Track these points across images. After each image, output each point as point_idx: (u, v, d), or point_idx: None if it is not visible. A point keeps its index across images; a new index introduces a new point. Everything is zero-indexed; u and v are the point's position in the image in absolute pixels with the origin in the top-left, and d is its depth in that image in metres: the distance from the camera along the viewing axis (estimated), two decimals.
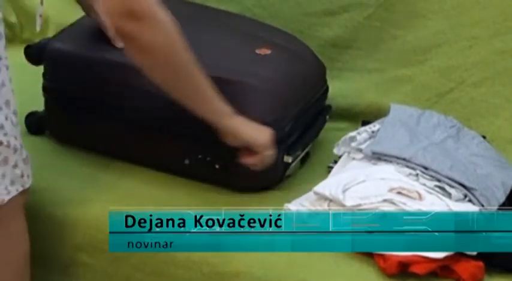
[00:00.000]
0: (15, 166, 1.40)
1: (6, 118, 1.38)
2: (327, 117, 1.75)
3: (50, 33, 2.07)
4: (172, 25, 1.39)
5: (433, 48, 1.87)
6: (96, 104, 1.66)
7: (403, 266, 1.41)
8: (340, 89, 1.88)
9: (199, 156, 1.61)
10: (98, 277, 1.59)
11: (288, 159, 1.61)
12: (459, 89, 1.85)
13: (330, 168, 1.67)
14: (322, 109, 1.75)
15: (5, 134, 1.37)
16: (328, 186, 1.50)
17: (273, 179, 1.64)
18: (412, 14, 1.88)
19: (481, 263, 1.42)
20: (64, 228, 1.59)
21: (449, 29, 1.87)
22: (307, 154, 1.70)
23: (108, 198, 1.60)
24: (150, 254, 1.53)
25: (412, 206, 1.44)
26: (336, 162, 1.68)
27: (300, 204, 1.53)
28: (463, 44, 1.86)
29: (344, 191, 1.47)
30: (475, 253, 1.42)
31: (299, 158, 1.67)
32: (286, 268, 1.46)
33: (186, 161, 1.62)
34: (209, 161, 1.60)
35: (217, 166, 1.60)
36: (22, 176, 1.43)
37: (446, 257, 1.41)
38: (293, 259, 1.47)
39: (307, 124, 1.69)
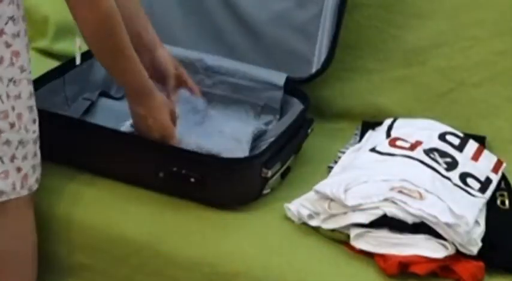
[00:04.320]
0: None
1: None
2: (309, 130, 1.72)
3: (50, 34, 2.07)
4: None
5: (433, 48, 1.87)
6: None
7: (403, 266, 1.41)
8: (340, 89, 1.88)
9: (174, 169, 1.56)
10: (98, 277, 1.59)
11: (266, 173, 1.56)
12: (459, 89, 1.85)
13: (330, 168, 1.67)
14: (303, 122, 1.72)
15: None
16: (329, 185, 1.50)
17: (251, 194, 1.59)
18: (412, 14, 1.88)
19: (481, 263, 1.42)
20: (63, 229, 1.59)
21: (449, 29, 1.87)
22: (288, 168, 1.66)
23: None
24: (150, 254, 1.53)
25: (412, 205, 1.44)
26: (336, 162, 1.68)
27: (300, 204, 1.53)
28: (463, 44, 1.86)
29: (346, 191, 1.47)
30: (475, 253, 1.42)
31: (279, 172, 1.62)
32: (286, 268, 1.46)
33: (161, 174, 1.57)
34: (184, 174, 1.56)
35: (192, 180, 1.55)
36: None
37: (446, 257, 1.41)
38: (293, 259, 1.47)
39: (287, 137, 1.65)
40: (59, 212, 1.59)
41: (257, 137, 1.74)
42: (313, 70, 1.83)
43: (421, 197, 1.46)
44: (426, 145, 1.61)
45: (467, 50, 1.86)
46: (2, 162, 1.42)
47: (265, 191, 1.59)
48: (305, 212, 1.51)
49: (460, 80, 1.86)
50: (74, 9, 1.43)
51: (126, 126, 1.74)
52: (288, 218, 1.54)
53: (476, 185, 1.57)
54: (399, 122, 1.73)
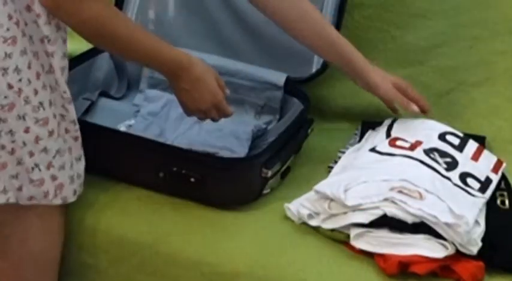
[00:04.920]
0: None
1: None
2: (309, 130, 1.72)
3: None
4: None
5: (433, 49, 1.87)
6: None
7: (403, 266, 1.41)
8: (340, 89, 1.88)
9: (174, 169, 1.56)
10: (98, 277, 1.59)
11: (266, 173, 1.56)
12: (459, 89, 1.85)
13: (330, 168, 1.67)
14: (303, 122, 1.72)
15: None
16: (329, 185, 1.50)
17: (251, 194, 1.58)
18: (412, 14, 1.88)
19: (481, 263, 1.42)
20: (65, 228, 1.59)
21: (449, 29, 1.87)
22: (288, 168, 1.66)
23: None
24: (150, 254, 1.53)
25: (412, 205, 1.44)
26: (336, 162, 1.68)
27: (300, 204, 1.53)
28: (463, 44, 1.86)
29: (345, 191, 1.47)
30: (475, 253, 1.42)
31: (279, 172, 1.61)
32: (286, 268, 1.46)
33: (161, 174, 1.57)
34: (184, 173, 1.55)
35: (192, 180, 1.55)
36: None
37: (446, 257, 1.41)
38: (293, 259, 1.47)
39: (287, 137, 1.65)
40: None
41: (257, 137, 1.75)
42: (313, 70, 1.83)
43: (421, 197, 1.46)
44: (426, 145, 1.61)
45: (467, 50, 1.86)
46: (39, 169, 1.42)
47: (265, 191, 1.59)
48: (305, 212, 1.51)
49: (460, 80, 1.86)
50: (60, 19, 1.42)
51: (125, 126, 1.74)
52: (288, 218, 1.54)
53: (476, 185, 1.57)
54: (399, 122, 1.73)
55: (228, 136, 1.69)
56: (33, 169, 1.41)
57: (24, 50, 1.38)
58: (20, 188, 1.42)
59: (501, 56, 1.85)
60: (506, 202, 1.57)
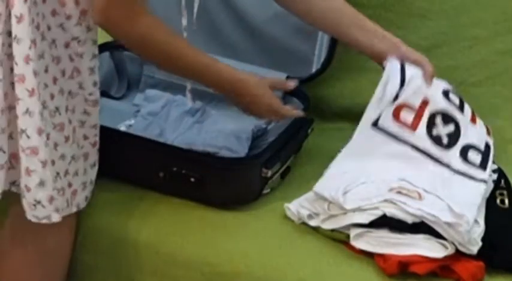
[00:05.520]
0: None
1: None
2: (309, 130, 1.72)
3: None
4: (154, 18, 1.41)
5: (433, 48, 1.86)
6: None
7: (403, 266, 1.41)
8: (340, 89, 1.88)
9: (174, 169, 1.57)
10: (98, 277, 1.59)
11: (266, 173, 1.56)
12: (459, 89, 1.84)
13: None
14: (303, 122, 1.71)
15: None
16: (327, 189, 1.50)
17: (251, 194, 1.58)
18: (412, 14, 1.88)
19: (481, 263, 1.42)
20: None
21: (449, 29, 1.87)
22: (288, 168, 1.66)
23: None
24: (150, 254, 1.53)
25: (412, 205, 1.44)
26: None
27: (300, 204, 1.53)
28: (463, 44, 1.86)
29: (344, 194, 1.47)
30: (475, 253, 1.42)
31: (279, 172, 1.61)
32: (286, 268, 1.46)
33: (161, 174, 1.57)
34: (184, 173, 1.55)
35: (192, 180, 1.55)
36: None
37: (446, 257, 1.41)
38: (293, 259, 1.47)
39: (287, 137, 1.65)
40: None
41: (257, 137, 1.75)
42: (313, 70, 1.83)
43: (420, 197, 1.46)
44: (432, 107, 1.59)
45: (467, 50, 1.86)
46: (60, 178, 1.41)
47: (265, 191, 1.59)
48: (305, 212, 1.51)
49: (460, 79, 1.86)
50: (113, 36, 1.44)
51: (125, 126, 1.74)
52: (287, 218, 1.54)
53: (478, 159, 1.57)
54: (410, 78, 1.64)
55: (228, 136, 1.69)
56: (56, 177, 1.40)
57: (42, 54, 1.37)
58: (50, 199, 1.40)
59: (501, 56, 1.85)
60: (506, 201, 1.57)
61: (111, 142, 1.60)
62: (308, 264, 1.46)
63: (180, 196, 1.58)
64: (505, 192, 1.59)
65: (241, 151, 1.67)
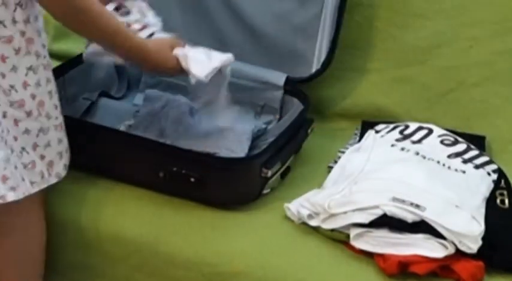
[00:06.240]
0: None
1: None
2: (309, 130, 1.72)
3: (50, 34, 2.07)
4: None
5: (433, 48, 1.86)
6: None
7: (403, 266, 1.41)
8: (340, 89, 1.88)
9: (174, 169, 1.56)
10: (98, 277, 1.59)
11: (266, 173, 1.56)
12: (459, 89, 1.85)
13: (330, 168, 1.67)
14: (303, 122, 1.72)
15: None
16: (322, 198, 1.50)
17: (251, 194, 1.58)
18: (412, 14, 1.87)
19: (481, 263, 1.42)
20: (63, 229, 1.59)
21: (449, 29, 1.87)
22: (288, 168, 1.66)
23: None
24: (150, 254, 1.53)
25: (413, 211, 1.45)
26: (336, 162, 1.68)
27: (300, 204, 1.53)
28: (463, 44, 1.86)
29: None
30: (475, 251, 1.42)
31: (279, 172, 1.61)
32: (286, 268, 1.46)
33: (161, 174, 1.57)
34: (184, 173, 1.55)
35: (192, 180, 1.55)
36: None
37: (446, 257, 1.41)
38: (293, 259, 1.47)
39: (287, 137, 1.65)
40: (58, 212, 1.59)
41: (257, 137, 1.75)
42: (313, 70, 1.83)
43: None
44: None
45: (467, 50, 1.86)
46: (27, 152, 1.42)
47: (265, 191, 1.60)
48: (305, 212, 1.51)
49: (460, 80, 1.86)
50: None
51: (125, 126, 1.74)
52: (287, 218, 1.54)
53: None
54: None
55: (228, 136, 1.69)
56: (21, 152, 1.41)
57: None
58: (22, 179, 1.41)
59: (501, 56, 1.85)
60: (506, 201, 1.57)
61: (111, 141, 1.60)
62: (308, 264, 1.46)
63: (180, 196, 1.58)
64: (505, 192, 1.60)
65: (241, 151, 1.67)
